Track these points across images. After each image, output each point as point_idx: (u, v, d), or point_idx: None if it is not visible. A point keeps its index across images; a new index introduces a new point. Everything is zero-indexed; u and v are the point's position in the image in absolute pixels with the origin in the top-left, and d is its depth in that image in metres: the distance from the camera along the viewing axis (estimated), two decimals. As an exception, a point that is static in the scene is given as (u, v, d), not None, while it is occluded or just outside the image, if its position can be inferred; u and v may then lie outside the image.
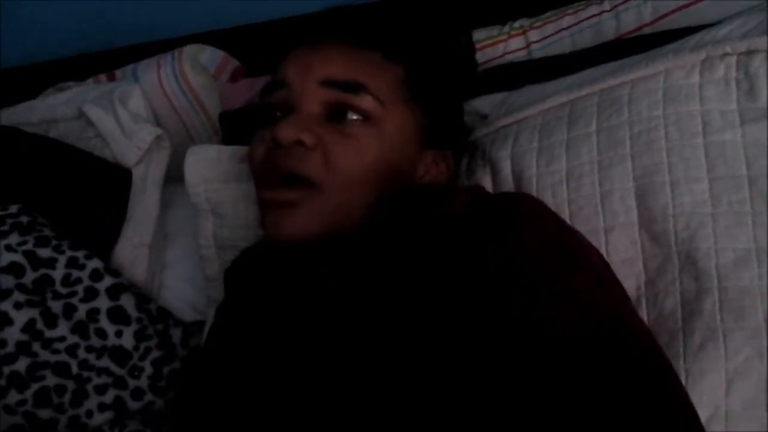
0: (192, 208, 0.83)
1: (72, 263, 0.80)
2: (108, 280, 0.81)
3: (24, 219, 0.83)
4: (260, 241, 0.74)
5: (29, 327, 0.74)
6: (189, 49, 1.04)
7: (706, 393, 0.55)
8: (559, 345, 0.45)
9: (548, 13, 0.90)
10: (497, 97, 0.80)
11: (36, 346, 0.74)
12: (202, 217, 0.81)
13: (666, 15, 0.82)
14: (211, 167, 0.80)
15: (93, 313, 0.78)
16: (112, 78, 1.07)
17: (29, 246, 0.80)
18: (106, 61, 1.09)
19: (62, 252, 0.81)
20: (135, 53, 1.08)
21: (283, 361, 0.54)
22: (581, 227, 0.62)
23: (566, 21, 0.88)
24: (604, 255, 0.59)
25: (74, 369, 0.75)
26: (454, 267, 0.51)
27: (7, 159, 0.90)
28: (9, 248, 0.78)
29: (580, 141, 0.66)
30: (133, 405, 0.76)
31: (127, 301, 0.80)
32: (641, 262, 0.61)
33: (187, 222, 0.90)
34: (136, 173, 0.90)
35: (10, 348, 0.73)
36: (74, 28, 1.17)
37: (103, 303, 0.79)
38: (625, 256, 0.62)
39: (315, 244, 0.59)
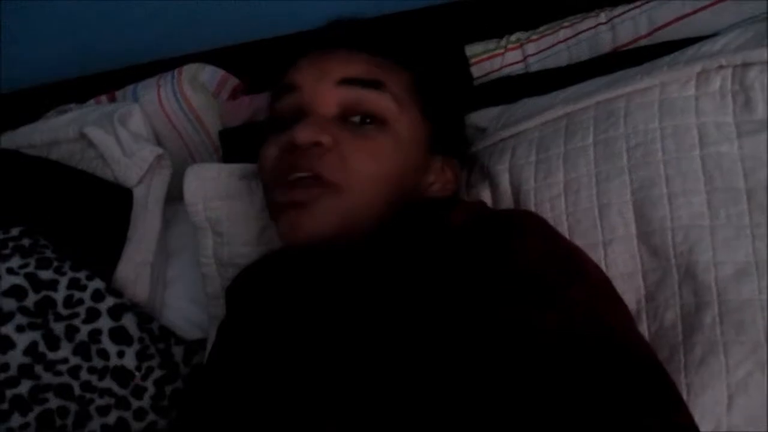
0: (193, 226, 0.83)
1: (74, 284, 0.81)
2: (110, 301, 0.81)
3: (26, 242, 0.83)
4: (260, 258, 0.74)
5: (31, 349, 0.74)
6: (189, 69, 1.05)
7: (708, 408, 0.54)
8: (556, 354, 0.45)
9: (544, 27, 0.90)
10: (495, 110, 0.81)
11: (38, 369, 0.74)
12: (202, 235, 0.81)
13: (662, 27, 0.81)
14: (210, 185, 0.80)
15: (95, 334, 0.78)
16: (112, 98, 1.08)
17: (31, 268, 0.80)
18: (106, 82, 1.10)
19: (64, 273, 0.81)
20: (135, 73, 1.09)
21: (297, 366, 0.53)
22: (580, 241, 0.62)
23: (563, 34, 0.88)
24: (604, 269, 0.59)
25: (77, 391, 0.75)
26: (457, 277, 0.51)
27: (8, 181, 0.90)
28: (11, 271, 0.79)
29: (577, 154, 0.66)
30: (136, 425, 0.76)
31: (129, 321, 0.80)
32: (641, 275, 0.61)
33: (188, 239, 0.90)
34: (138, 193, 0.90)
35: (13, 371, 0.72)
36: (74, 50, 1.18)
37: (104, 324, 0.79)
38: (624, 269, 0.62)
39: (327, 252, 0.59)
